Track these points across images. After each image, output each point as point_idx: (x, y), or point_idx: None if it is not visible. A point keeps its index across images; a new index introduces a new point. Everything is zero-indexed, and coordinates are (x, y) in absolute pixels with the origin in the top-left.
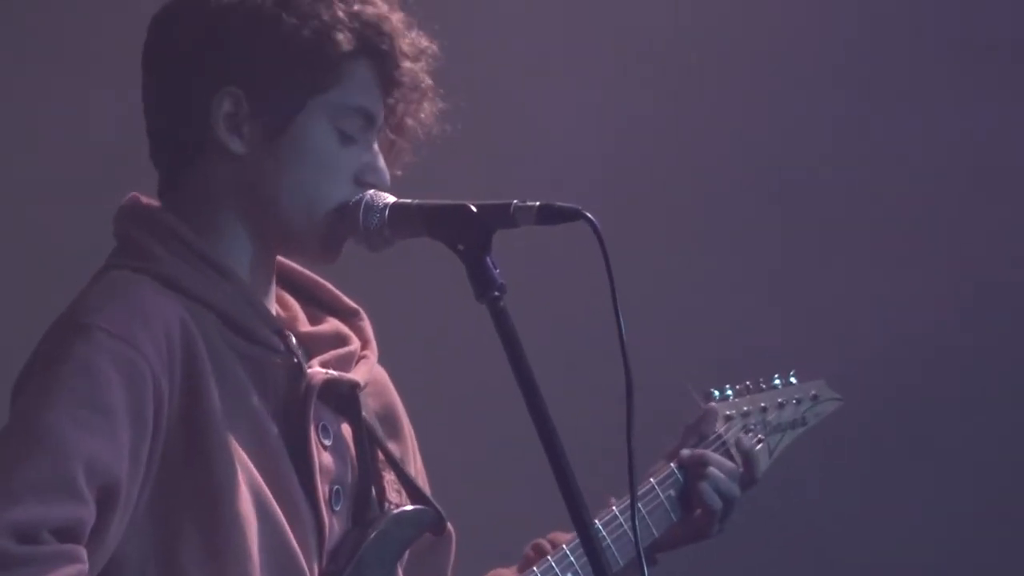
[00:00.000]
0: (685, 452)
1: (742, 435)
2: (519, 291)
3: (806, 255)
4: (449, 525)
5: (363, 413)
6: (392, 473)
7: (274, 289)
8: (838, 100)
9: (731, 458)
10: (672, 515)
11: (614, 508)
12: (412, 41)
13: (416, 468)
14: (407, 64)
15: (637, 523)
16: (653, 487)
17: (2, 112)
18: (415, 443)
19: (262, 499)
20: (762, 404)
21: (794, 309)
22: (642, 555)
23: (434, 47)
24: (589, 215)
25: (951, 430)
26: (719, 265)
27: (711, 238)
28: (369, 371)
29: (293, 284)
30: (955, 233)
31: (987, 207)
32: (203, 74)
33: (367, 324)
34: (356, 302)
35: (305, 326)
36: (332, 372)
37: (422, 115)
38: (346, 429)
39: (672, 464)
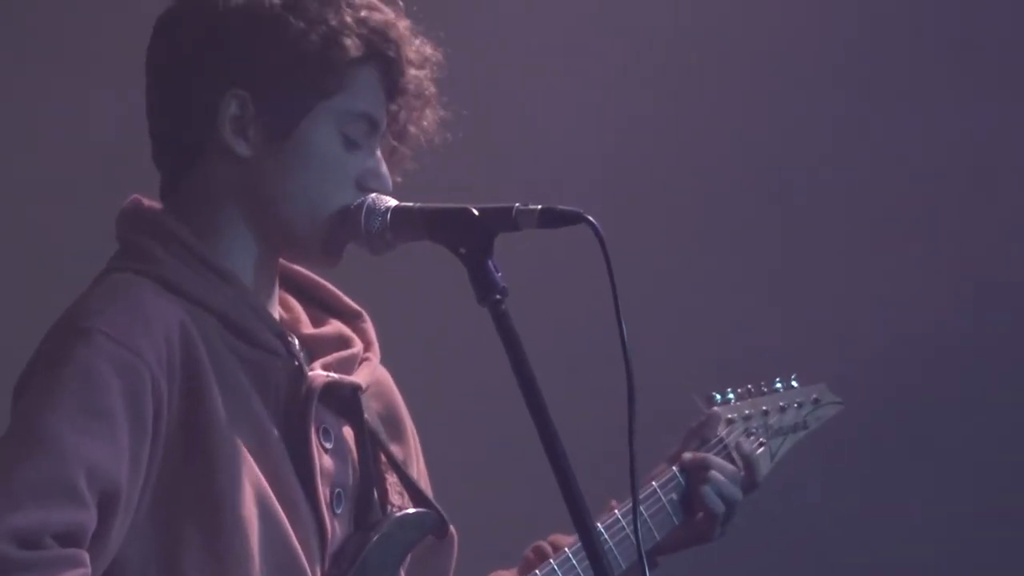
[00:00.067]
0: (687, 455)
1: (743, 439)
2: (520, 294)
3: (806, 255)
4: (451, 527)
5: (365, 415)
6: (394, 475)
7: (277, 292)
8: (838, 100)
9: (733, 462)
10: (674, 518)
11: (616, 511)
12: (418, 48)
13: (419, 470)
14: (412, 71)
15: (639, 526)
16: (655, 490)
17: (2, 112)
18: (418, 445)
19: (265, 502)
20: (764, 408)
21: (794, 309)
22: (644, 558)
23: (438, 55)
24: (591, 218)
25: (952, 431)
26: (719, 265)
27: (711, 238)
28: (371, 373)
29: (296, 286)
30: (955, 233)
31: (987, 207)
32: (209, 76)
33: (370, 326)
34: (358, 304)
35: (308, 328)
36: (333, 375)
37: (424, 122)
38: (348, 432)
39: (674, 467)
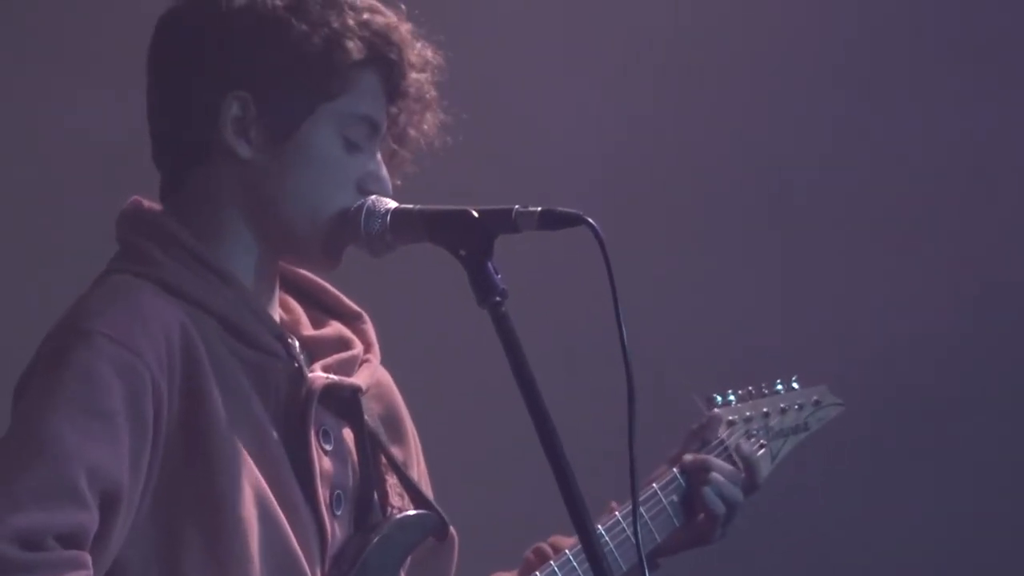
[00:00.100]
0: (687, 457)
1: (742, 440)
2: (520, 296)
3: (806, 255)
4: (452, 529)
5: (365, 417)
6: (395, 477)
7: (277, 293)
8: (838, 100)
9: (734, 463)
10: (675, 520)
11: (616, 513)
12: (419, 52)
13: (419, 471)
14: (414, 75)
15: (639, 528)
16: (656, 492)
17: (2, 112)
18: (419, 446)
19: (264, 504)
20: (764, 409)
21: (794, 309)
22: (644, 560)
23: (439, 58)
24: (591, 220)
25: (952, 432)
26: (719, 265)
27: (711, 238)
28: (371, 375)
29: (297, 287)
30: (955, 233)
31: (987, 207)
32: (212, 77)
33: (370, 327)
34: (359, 306)
35: (308, 330)
36: (333, 377)
37: (425, 126)
38: (348, 433)
39: (674, 469)
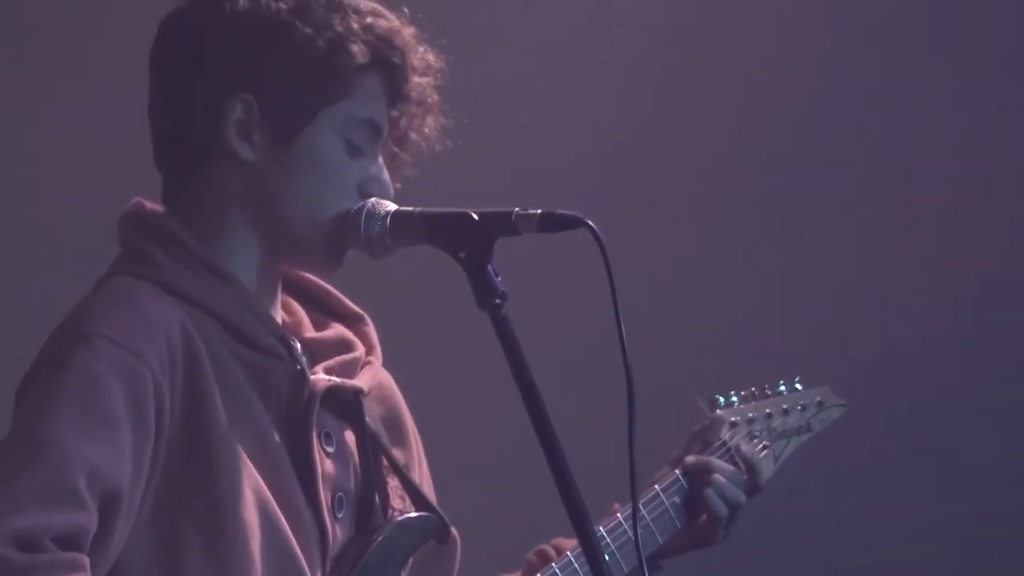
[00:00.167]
0: (689, 459)
1: (743, 442)
2: (520, 298)
3: (806, 255)
4: (454, 531)
5: (367, 419)
6: (396, 479)
7: (279, 295)
8: (838, 100)
9: (736, 465)
10: (676, 522)
11: (618, 515)
12: (422, 56)
13: (421, 473)
14: (416, 78)
15: (640, 530)
16: (658, 494)
17: (2, 112)
18: (420, 448)
19: (266, 506)
20: (767, 411)
21: (794, 309)
22: (644, 562)
23: (441, 62)
24: (591, 223)
25: (954, 432)
26: (719, 265)
27: (711, 238)
28: (373, 377)
29: (299, 289)
30: (955, 233)
31: (987, 207)
32: (215, 79)
33: (372, 329)
34: (359, 308)
35: (310, 331)
36: (335, 379)
37: (425, 129)
38: (350, 436)
39: (677, 471)
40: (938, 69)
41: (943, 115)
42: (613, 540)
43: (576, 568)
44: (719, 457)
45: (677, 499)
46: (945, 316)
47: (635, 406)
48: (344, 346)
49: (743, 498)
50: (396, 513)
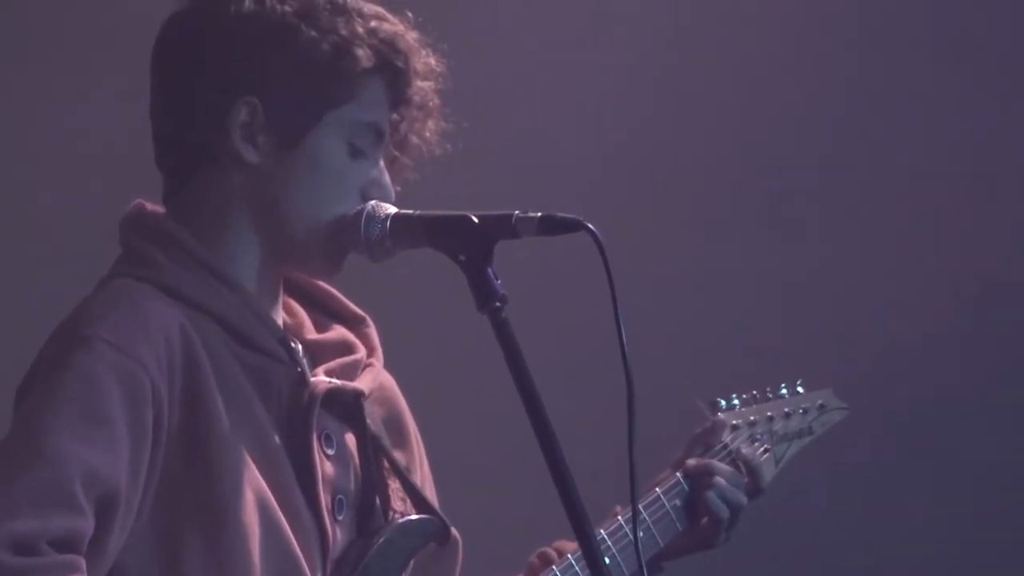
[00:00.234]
0: (691, 461)
1: (744, 445)
2: (520, 301)
3: (806, 255)
4: (455, 533)
5: (368, 421)
6: (397, 481)
7: (280, 297)
8: (838, 100)
9: (737, 468)
10: (677, 524)
11: (619, 517)
12: (424, 60)
13: (423, 475)
14: (419, 83)
15: (641, 533)
16: (658, 496)
17: (2, 112)
18: (422, 450)
19: (265, 508)
20: (768, 414)
21: (794, 310)
22: (643, 565)
23: (443, 67)
24: (591, 226)
25: (954, 432)
26: (719, 265)
27: (711, 239)
28: (374, 379)
29: (301, 291)
30: (955, 233)
31: (987, 207)
32: (221, 82)
33: (373, 331)
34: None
35: (311, 333)
36: (336, 381)
37: (426, 133)
38: (350, 438)
39: (678, 473)
40: (939, 71)
41: (944, 116)
42: (614, 543)
43: (577, 571)
44: (721, 460)
45: (678, 502)
46: (945, 316)
47: (635, 409)
48: (345, 348)
49: (744, 500)
50: (397, 515)
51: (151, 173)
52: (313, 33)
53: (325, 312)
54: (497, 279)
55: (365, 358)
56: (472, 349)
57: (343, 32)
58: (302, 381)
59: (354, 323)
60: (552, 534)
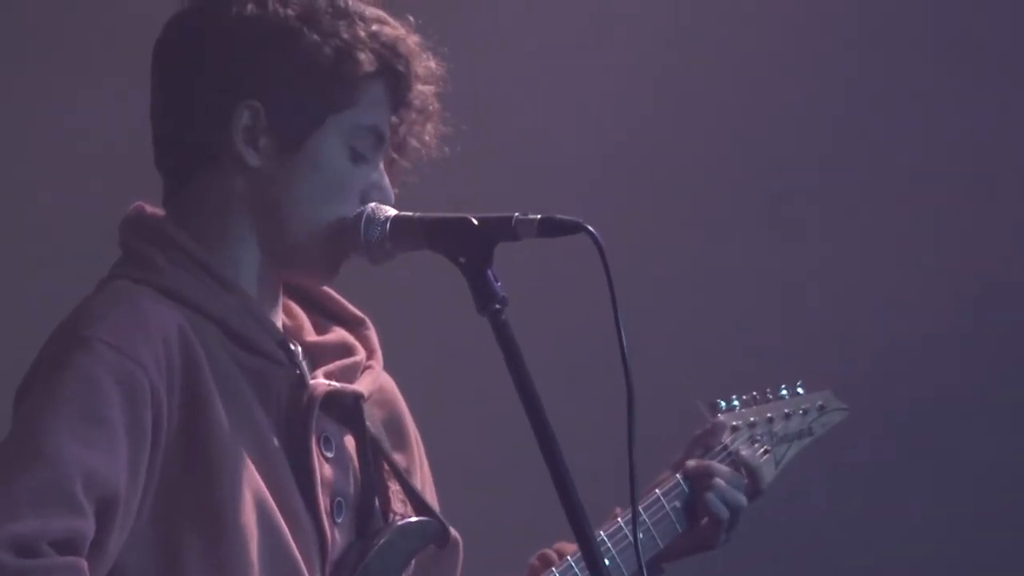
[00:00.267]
0: (690, 463)
1: (744, 447)
2: (520, 303)
3: (806, 255)
4: (456, 535)
5: (367, 424)
6: (397, 484)
7: (280, 300)
8: (838, 100)
9: (737, 469)
10: (677, 526)
11: (619, 519)
12: (425, 64)
13: (423, 477)
14: (419, 87)
15: (641, 534)
16: (658, 498)
17: (2, 112)
18: (422, 452)
19: (265, 510)
20: (768, 415)
21: (794, 310)
22: (643, 567)
23: (443, 70)
24: (590, 228)
25: (954, 432)
26: (719, 265)
27: (711, 239)
28: (374, 381)
29: (300, 293)
30: (955, 233)
31: (987, 207)
32: (222, 84)
33: (373, 333)
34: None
35: (311, 335)
36: (335, 384)
37: (425, 136)
38: (350, 440)
39: (677, 475)
40: (939, 71)
41: (944, 116)
42: (613, 544)
43: (576, 572)
44: (720, 461)
45: (678, 503)
46: (945, 316)
47: (635, 411)
48: (345, 350)
49: (744, 501)
50: (397, 517)
51: (151, 173)
52: (315, 37)
53: (325, 314)
54: (497, 281)
55: (365, 360)
56: (472, 351)
57: (345, 36)
58: (301, 383)
59: (354, 325)
60: (552, 536)
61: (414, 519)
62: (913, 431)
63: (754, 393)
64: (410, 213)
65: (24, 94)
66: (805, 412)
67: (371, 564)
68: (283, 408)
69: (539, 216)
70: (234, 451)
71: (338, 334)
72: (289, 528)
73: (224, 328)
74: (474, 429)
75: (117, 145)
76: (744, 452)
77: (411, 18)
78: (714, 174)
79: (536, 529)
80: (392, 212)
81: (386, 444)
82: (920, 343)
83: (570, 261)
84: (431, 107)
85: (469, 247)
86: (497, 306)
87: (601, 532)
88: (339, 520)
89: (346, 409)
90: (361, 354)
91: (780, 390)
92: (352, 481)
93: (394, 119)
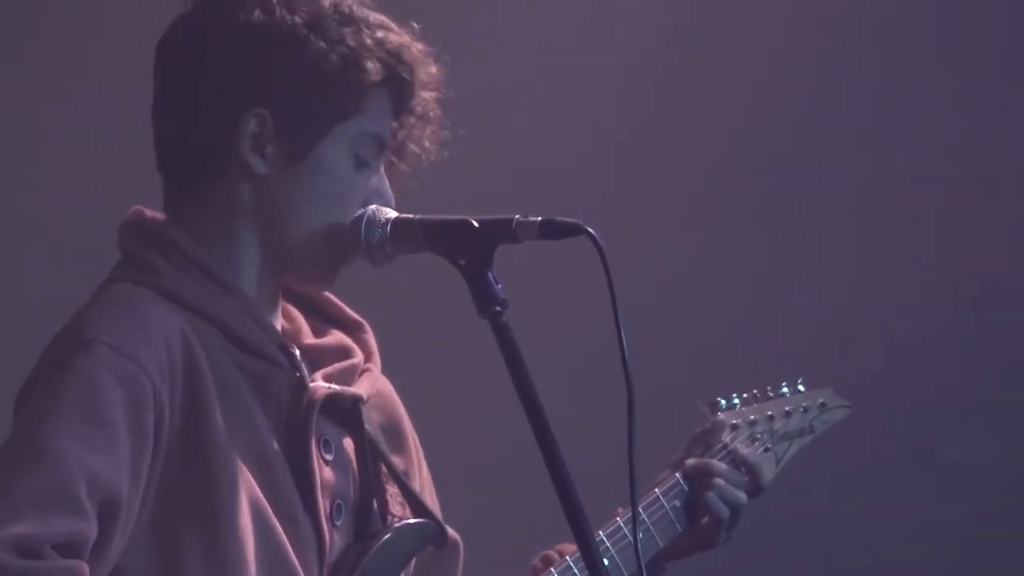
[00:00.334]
0: (690, 462)
1: (744, 445)
2: (521, 305)
3: (806, 255)
4: (456, 536)
5: (366, 427)
6: (395, 486)
7: (280, 303)
8: (838, 100)
9: (738, 467)
10: (677, 525)
11: (618, 519)
12: (428, 71)
13: (422, 480)
14: (423, 94)
15: (641, 534)
16: (658, 497)
17: (2, 112)
18: (420, 454)
19: (261, 514)
20: (769, 413)
21: (794, 310)
22: (643, 567)
23: (444, 75)
24: (590, 230)
25: (954, 432)
26: (719, 265)
27: (711, 239)
28: (372, 384)
29: (298, 296)
30: (955, 233)
31: (987, 207)
32: (229, 91)
33: (371, 337)
34: (359, 315)
35: (309, 338)
36: (334, 386)
37: (425, 142)
38: (349, 443)
39: (677, 474)
40: (939, 71)
41: (944, 117)
42: (613, 544)
43: (575, 572)
44: (721, 460)
45: (677, 502)
46: (945, 316)
47: (635, 412)
48: (343, 352)
49: (744, 499)
50: (395, 520)
51: (151, 174)
52: (322, 44)
53: (323, 317)
54: (497, 283)
55: (362, 363)
56: (473, 353)
57: (351, 43)
58: (301, 386)
59: (352, 329)
60: (552, 536)
61: (411, 521)
62: (913, 431)
63: (754, 391)
64: (410, 215)
65: (24, 94)
66: (806, 410)
67: (368, 565)
68: (283, 411)
69: (539, 218)
70: (233, 454)
71: (336, 337)
72: (286, 531)
73: (224, 331)
74: (474, 430)
75: (117, 145)
76: (744, 450)
77: (415, 25)
78: (714, 174)
79: (536, 529)
80: (393, 214)
81: (384, 447)
82: (920, 343)
83: (570, 263)
84: (432, 113)
85: (469, 249)
86: (498, 308)
87: (600, 532)
88: (338, 523)
89: (345, 412)
90: (359, 357)
91: (781, 388)
92: (352, 484)
93: (394, 124)
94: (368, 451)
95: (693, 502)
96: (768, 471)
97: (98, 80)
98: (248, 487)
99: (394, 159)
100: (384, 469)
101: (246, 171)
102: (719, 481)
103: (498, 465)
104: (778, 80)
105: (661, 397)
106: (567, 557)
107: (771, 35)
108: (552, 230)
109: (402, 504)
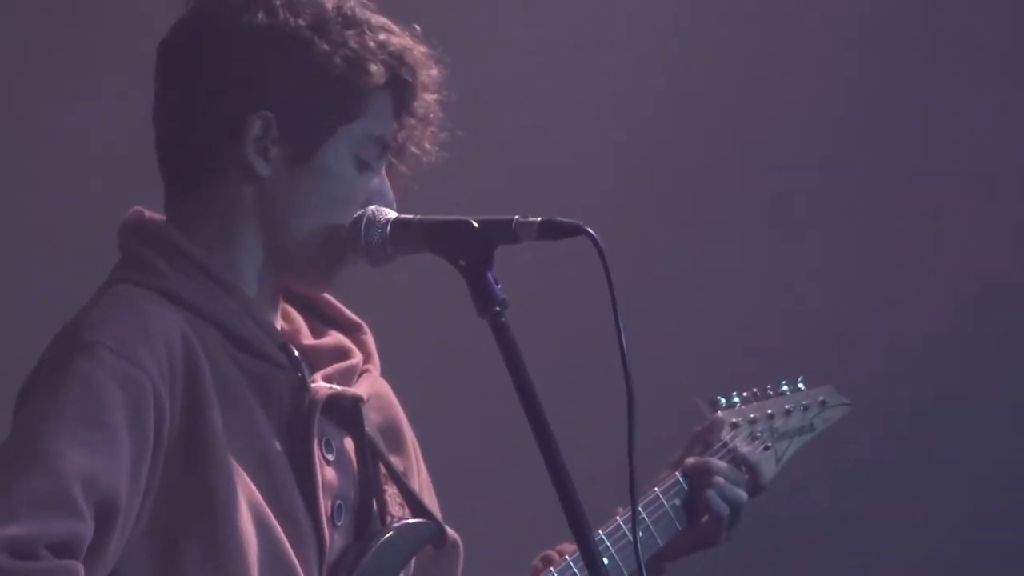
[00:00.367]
0: (689, 460)
1: (744, 443)
2: (520, 306)
3: (806, 255)
4: (456, 536)
5: (365, 427)
6: (394, 487)
7: (280, 304)
8: (838, 100)
9: (738, 466)
10: (677, 524)
11: (618, 518)
12: (430, 73)
13: (420, 480)
14: (424, 96)
15: (640, 533)
16: (657, 496)
17: (2, 112)
18: (419, 455)
19: (261, 515)
20: (769, 411)
21: (794, 310)
22: (643, 566)
23: (445, 76)
24: (590, 230)
25: (954, 432)
26: (719, 265)
27: (711, 239)
28: (371, 385)
29: (299, 297)
30: (955, 233)
31: (987, 207)
32: (234, 94)
33: (370, 338)
34: (358, 316)
35: (308, 339)
36: (335, 387)
37: (425, 144)
38: (349, 444)
39: (677, 473)
40: (939, 71)
41: (944, 117)
42: (612, 543)
43: (575, 572)
44: (720, 458)
45: (677, 501)
46: (945, 316)
47: (635, 412)
48: (342, 353)
49: (744, 497)
50: (394, 520)
51: (151, 174)
52: (326, 47)
53: (322, 318)
54: (497, 283)
55: (361, 364)
56: (472, 353)
57: (354, 45)
58: (302, 387)
59: (351, 330)
60: (552, 537)
61: (410, 521)
62: (913, 431)
63: (754, 389)
64: (410, 216)
65: (24, 94)
66: (806, 408)
67: (368, 565)
68: (284, 411)
69: (539, 219)
70: (233, 455)
71: (334, 338)
72: (286, 531)
73: (225, 331)
74: (474, 430)
75: (117, 145)
76: (744, 448)
77: (417, 27)
78: (714, 174)
79: (536, 529)
80: (392, 215)
81: (383, 447)
82: (920, 343)
83: (570, 263)
84: (432, 115)
85: (469, 249)
86: (497, 308)
87: (600, 531)
88: (339, 523)
89: (345, 412)
90: (358, 357)
91: (781, 386)
92: (352, 484)
93: (394, 126)
94: (368, 451)
95: (693, 501)
96: (768, 469)
97: (98, 80)
98: (248, 488)
99: (393, 160)
100: (383, 469)
101: (249, 173)
102: (719, 479)
103: (498, 465)
104: (778, 80)
105: (661, 397)
106: (567, 557)
107: (771, 35)
108: (552, 230)
109: (401, 504)
